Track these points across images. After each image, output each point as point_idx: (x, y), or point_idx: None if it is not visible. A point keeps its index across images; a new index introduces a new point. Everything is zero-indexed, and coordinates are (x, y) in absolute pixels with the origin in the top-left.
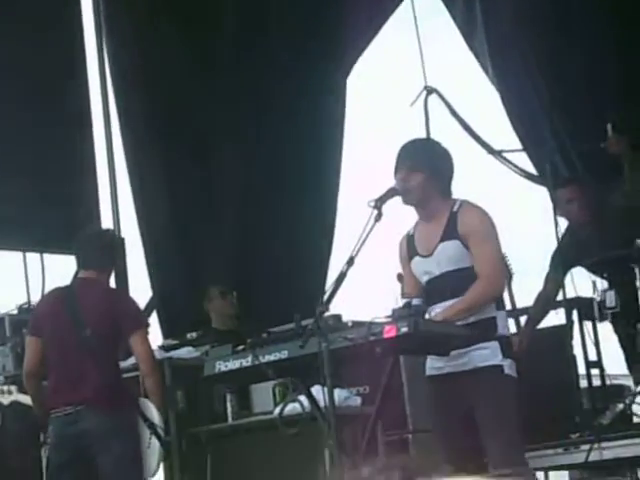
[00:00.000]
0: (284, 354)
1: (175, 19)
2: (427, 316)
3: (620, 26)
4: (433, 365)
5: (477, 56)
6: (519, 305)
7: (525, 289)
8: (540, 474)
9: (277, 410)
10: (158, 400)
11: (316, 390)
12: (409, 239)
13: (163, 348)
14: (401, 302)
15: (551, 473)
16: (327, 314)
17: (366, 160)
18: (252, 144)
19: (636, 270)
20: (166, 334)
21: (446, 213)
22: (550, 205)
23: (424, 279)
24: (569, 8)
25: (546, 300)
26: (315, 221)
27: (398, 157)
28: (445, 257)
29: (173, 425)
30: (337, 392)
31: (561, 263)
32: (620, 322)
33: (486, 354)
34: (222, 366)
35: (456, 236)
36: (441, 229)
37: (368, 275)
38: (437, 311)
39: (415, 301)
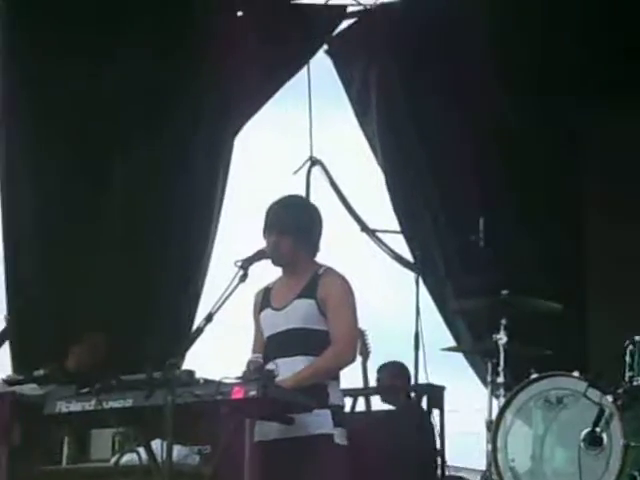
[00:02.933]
0: (129, 402)
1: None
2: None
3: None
4: (262, 431)
5: (367, 137)
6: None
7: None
8: None
9: (114, 459)
10: None
11: (156, 443)
12: (266, 291)
13: (6, 382)
14: (252, 359)
15: None
16: (180, 369)
17: (242, 222)
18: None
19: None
20: (16, 368)
21: (310, 273)
22: (414, 291)
23: (269, 332)
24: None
25: None
26: (181, 285)
27: (267, 218)
28: (296, 313)
29: (5, 461)
30: (177, 448)
31: None
32: None
33: (317, 421)
34: (64, 407)
35: (313, 296)
36: (300, 286)
37: (231, 334)
38: (279, 367)
39: (269, 365)
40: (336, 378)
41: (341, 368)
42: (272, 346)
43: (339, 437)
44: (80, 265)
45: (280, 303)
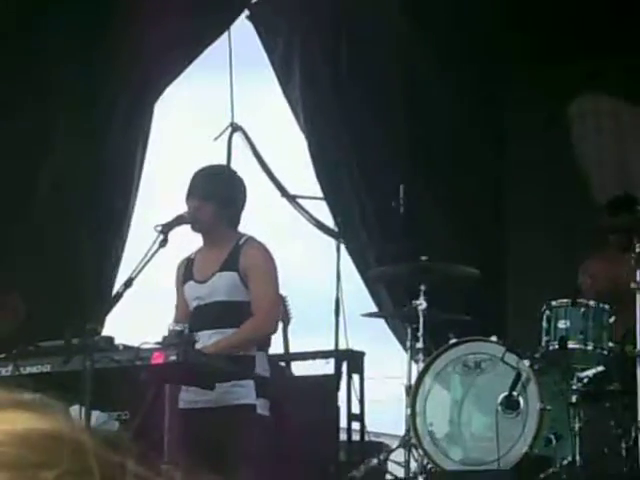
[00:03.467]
0: (46, 368)
1: None
2: (198, 346)
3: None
4: (186, 398)
5: (290, 103)
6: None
7: (298, 335)
8: None
9: None
10: None
11: (74, 409)
12: (188, 263)
13: None
14: (173, 328)
15: None
16: (99, 335)
17: (164, 188)
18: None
19: None
20: None
21: (231, 244)
22: (335, 257)
23: (193, 304)
24: (374, 80)
25: None
26: (100, 244)
27: (191, 184)
28: (219, 286)
29: None
30: (95, 414)
31: None
32: None
33: (241, 392)
34: None
35: (235, 269)
36: (222, 258)
37: (150, 300)
38: (200, 339)
39: (187, 330)
40: (263, 349)
41: (262, 338)
42: (197, 318)
43: (261, 407)
44: (0, 230)
45: (203, 275)
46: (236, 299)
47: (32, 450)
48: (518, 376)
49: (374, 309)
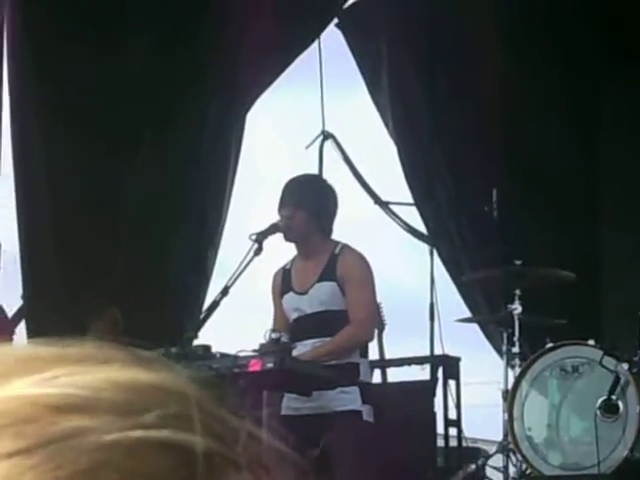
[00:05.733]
0: None
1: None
2: (294, 354)
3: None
4: (290, 405)
5: (379, 109)
6: (387, 356)
7: (393, 341)
8: None
9: None
10: None
11: None
12: (285, 273)
13: None
14: (270, 337)
15: None
16: (196, 343)
17: (257, 198)
18: (147, 167)
19: None
20: None
21: (327, 253)
22: (429, 262)
23: (293, 316)
24: (466, 86)
25: None
26: (194, 254)
27: (283, 193)
28: (319, 297)
29: None
30: None
31: None
32: None
33: (346, 398)
34: None
35: (334, 278)
36: (320, 269)
37: (245, 308)
38: (301, 349)
39: (284, 338)
40: (365, 355)
41: (359, 344)
42: (298, 329)
43: (367, 414)
44: (93, 242)
45: (302, 287)
46: (336, 308)
47: (136, 396)
48: (617, 379)
49: (468, 314)
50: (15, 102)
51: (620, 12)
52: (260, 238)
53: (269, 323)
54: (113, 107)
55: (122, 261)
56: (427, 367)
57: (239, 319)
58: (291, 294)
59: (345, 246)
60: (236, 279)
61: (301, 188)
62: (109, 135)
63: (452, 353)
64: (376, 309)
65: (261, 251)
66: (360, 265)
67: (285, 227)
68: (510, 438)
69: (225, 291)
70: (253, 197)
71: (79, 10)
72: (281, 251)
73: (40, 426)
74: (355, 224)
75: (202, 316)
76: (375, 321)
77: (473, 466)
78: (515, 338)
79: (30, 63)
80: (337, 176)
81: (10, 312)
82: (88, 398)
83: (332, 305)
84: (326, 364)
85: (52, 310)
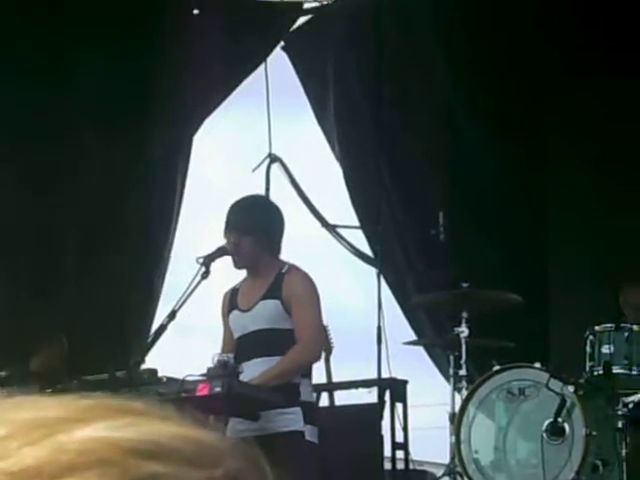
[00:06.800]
0: None
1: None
2: (242, 377)
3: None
4: (235, 427)
5: (325, 132)
6: (335, 379)
7: (340, 364)
8: None
9: None
10: None
11: None
12: (233, 292)
13: None
14: (218, 359)
15: None
16: (143, 367)
17: (204, 221)
18: (89, 187)
19: None
20: None
21: (273, 272)
22: (375, 285)
23: (237, 334)
24: (413, 107)
25: None
26: (140, 276)
27: (228, 217)
28: (262, 315)
29: None
30: None
31: None
32: None
33: (288, 419)
34: None
35: (278, 296)
36: (265, 287)
37: (193, 332)
38: (245, 369)
39: (232, 361)
40: (307, 375)
41: (307, 365)
42: (242, 347)
43: (310, 434)
44: (40, 267)
45: (246, 304)
46: (279, 327)
47: (203, 450)
48: (563, 402)
49: (414, 337)
50: None
51: (561, 23)
52: (207, 261)
53: (217, 347)
54: (58, 125)
55: (67, 285)
56: (374, 390)
57: (186, 343)
58: (236, 312)
59: (292, 266)
60: (183, 302)
61: (246, 212)
62: (53, 150)
63: (399, 376)
64: (322, 329)
65: (208, 274)
66: (305, 284)
67: (233, 253)
68: (457, 461)
69: (172, 315)
70: (201, 220)
71: (24, 31)
72: (229, 274)
73: (123, 469)
74: (302, 246)
75: (149, 340)
76: (321, 341)
77: None
78: (462, 361)
79: None
80: (284, 199)
81: None
82: (163, 446)
83: (276, 323)
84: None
85: None
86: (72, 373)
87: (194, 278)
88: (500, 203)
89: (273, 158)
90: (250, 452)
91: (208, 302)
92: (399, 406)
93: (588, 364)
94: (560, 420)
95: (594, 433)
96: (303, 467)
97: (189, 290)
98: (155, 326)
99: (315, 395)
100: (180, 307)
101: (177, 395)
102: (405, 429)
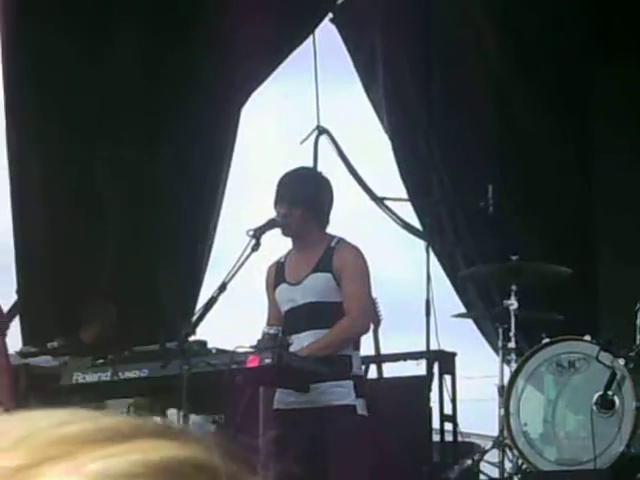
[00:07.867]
0: (144, 372)
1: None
2: (292, 349)
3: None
4: (283, 399)
5: (374, 105)
6: (383, 352)
7: (389, 337)
8: None
9: None
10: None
11: (171, 413)
12: (278, 266)
13: (21, 354)
14: (267, 331)
15: None
16: (193, 339)
17: (251, 193)
18: (138, 160)
19: None
20: (27, 341)
21: (323, 246)
22: (424, 258)
23: (286, 307)
24: (462, 82)
25: None
26: (189, 248)
27: (278, 189)
28: (313, 288)
29: None
30: (191, 417)
31: None
32: None
33: (340, 392)
34: (80, 377)
35: (329, 270)
36: (315, 260)
37: (243, 304)
38: (294, 341)
39: (281, 334)
40: (357, 348)
41: (355, 338)
42: (290, 320)
43: (361, 408)
44: (87, 237)
45: (295, 278)
46: (329, 300)
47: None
48: (613, 375)
49: (464, 310)
50: (10, 100)
51: (612, 9)
52: (258, 234)
53: (265, 319)
54: (106, 107)
55: (114, 256)
56: (423, 362)
57: (236, 315)
58: (284, 285)
59: (341, 240)
60: (234, 275)
61: (296, 183)
62: (102, 130)
63: (448, 348)
64: (371, 302)
65: (259, 247)
66: (356, 258)
67: (282, 224)
68: (506, 433)
69: (223, 287)
70: (248, 192)
71: (70, 15)
72: (277, 246)
73: None
74: (350, 219)
75: (200, 312)
76: (370, 314)
77: (469, 461)
78: (511, 334)
79: (24, 65)
80: (332, 171)
81: (5, 307)
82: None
83: (326, 296)
84: (320, 357)
85: (46, 306)
86: (123, 343)
87: (244, 250)
88: (549, 176)
89: (321, 130)
90: (239, 467)
91: (258, 274)
92: (448, 378)
93: (638, 337)
94: (610, 393)
95: None
96: (356, 441)
97: (239, 262)
98: (201, 299)
99: (363, 368)
100: (230, 279)
101: (227, 367)
102: (454, 401)
